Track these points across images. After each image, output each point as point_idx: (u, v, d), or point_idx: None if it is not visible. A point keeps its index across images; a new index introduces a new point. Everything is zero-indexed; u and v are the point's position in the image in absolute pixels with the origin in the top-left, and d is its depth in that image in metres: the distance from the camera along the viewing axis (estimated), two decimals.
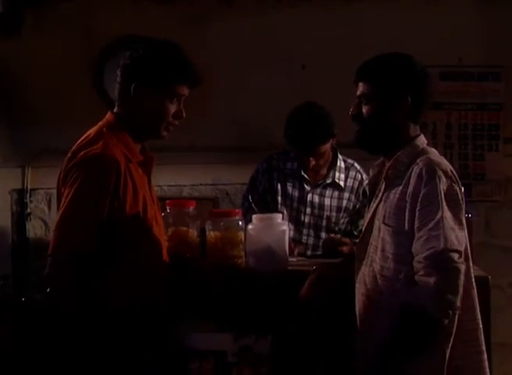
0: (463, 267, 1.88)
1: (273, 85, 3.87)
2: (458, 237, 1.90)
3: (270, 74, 3.90)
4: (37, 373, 2.71)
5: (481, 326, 2.00)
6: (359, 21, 3.90)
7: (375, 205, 2.07)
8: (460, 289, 1.86)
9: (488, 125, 4.01)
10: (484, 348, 2.00)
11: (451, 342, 1.93)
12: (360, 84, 2.06)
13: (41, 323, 2.77)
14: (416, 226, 1.92)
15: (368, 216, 2.10)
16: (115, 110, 2.13)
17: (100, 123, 2.11)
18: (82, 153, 1.99)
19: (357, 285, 2.10)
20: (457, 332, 1.94)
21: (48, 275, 1.97)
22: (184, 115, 2.13)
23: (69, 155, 2.04)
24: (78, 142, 2.07)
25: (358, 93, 2.06)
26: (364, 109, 2.04)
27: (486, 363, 2.00)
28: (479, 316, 2.00)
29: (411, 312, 1.85)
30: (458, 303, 1.86)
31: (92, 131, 2.09)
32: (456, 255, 1.87)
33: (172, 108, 2.10)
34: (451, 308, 1.85)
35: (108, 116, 2.13)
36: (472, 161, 4.02)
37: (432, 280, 1.83)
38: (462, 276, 1.87)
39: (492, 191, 4.00)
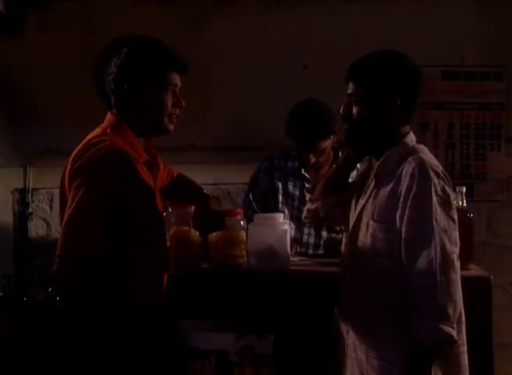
0: (457, 274, 1.91)
1: (274, 85, 3.86)
2: (452, 237, 1.92)
3: (271, 74, 3.89)
4: (37, 372, 2.72)
5: (463, 319, 2.00)
6: (360, 21, 3.89)
7: (363, 202, 2.06)
8: (458, 301, 1.91)
9: (490, 125, 4.00)
10: (465, 341, 2.01)
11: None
12: (350, 84, 2.05)
13: (43, 322, 2.77)
14: (405, 222, 1.92)
15: (355, 212, 2.10)
16: (114, 112, 2.13)
17: (102, 125, 2.11)
18: (89, 153, 1.98)
19: (344, 281, 2.11)
20: None
21: (56, 275, 1.95)
22: (183, 103, 2.13)
23: (74, 154, 2.03)
24: (83, 143, 2.05)
25: (348, 91, 2.05)
26: (354, 110, 2.03)
27: (466, 355, 2.01)
28: (462, 310, 2.00)
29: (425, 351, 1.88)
30: (457, 313, 1.90)
31: (96, 133, 2.08)
32: (454, 257, 1.90)
33: (170, 100, 2.10)
34: (453, 323, 1.88)
35: (110, 117, 2.12)
36: (474, 161, 4.01)
37: (431, 301, 1.87)
38: (458, 284, 1.91)
39: (494, 190, 4.00)
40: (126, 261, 2.01)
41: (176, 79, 2.12)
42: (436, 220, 1.90)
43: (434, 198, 1.91)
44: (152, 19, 3.84)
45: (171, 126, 2.13)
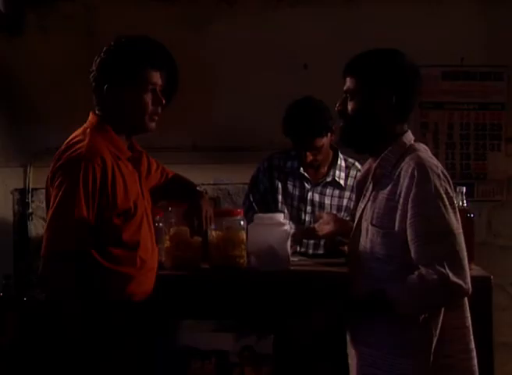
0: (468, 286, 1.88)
1: (274, 85, 3.86)
2: (461, 241, 1.89)
3: (271, 74, 3.89)
4: (37, 372, 2.71)
5: (468, 324, 1.97)
6: (360, 21, 3.89)
7: (363, 205, 2.03)
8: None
9: (490, 125, 4.00)
10: (472, 346, 1.96)
11: (435, 342, 1.91)
12: (347, 79, 2.03)
13: (43, 322, 2.77)
14: (409, 222, 1.87)
15: (356, 216, 2.07)
16: (96, 111, 2.14)
17: (84, 125, 2.14)
18: (67, 154, 2.02)
19: (350, 286, 2.08)
20: (444, 330, 1.92)
21: (41, 276, 1.98)
22: (163, 101, 2.13)
23: (55, 155, 2.07)
24: (64, 143, 2.09)
25: (345, 88, 2.03)
26: (349, 105, 2.00)
27: (475, 361, 1.96)
28: (468, 314, 1.98)
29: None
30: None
31: (77, 132, 2.11)
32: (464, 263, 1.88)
33: (149, 99, 2.10)
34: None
35: (91, 117, 2.14)
36: (474, 161, 4.01)
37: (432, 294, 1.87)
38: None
39: (494, 190, 4.00)
40: (109, 260, 2.02)
41: (155, 77, 2.11)
42: (450, 222, 1.86)
43: (439, 199, 1.86)
44: (152, 19, 3.84)
45: (152, 125, 2.13)
